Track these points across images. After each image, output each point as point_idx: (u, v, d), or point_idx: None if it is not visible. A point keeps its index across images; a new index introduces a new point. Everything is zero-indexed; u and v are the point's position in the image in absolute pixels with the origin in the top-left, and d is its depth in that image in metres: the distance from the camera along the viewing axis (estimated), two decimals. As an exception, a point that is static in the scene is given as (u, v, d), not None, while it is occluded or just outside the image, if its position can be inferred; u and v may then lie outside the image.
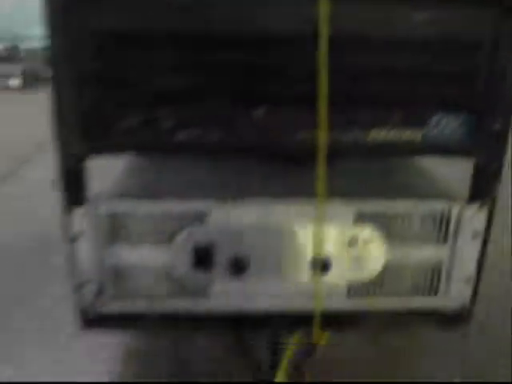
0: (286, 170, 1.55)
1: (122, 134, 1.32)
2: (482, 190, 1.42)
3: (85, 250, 1.41)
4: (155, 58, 1.27)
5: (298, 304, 1.49)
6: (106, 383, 1.76)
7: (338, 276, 1.47)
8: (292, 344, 1.60)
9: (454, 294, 1.52)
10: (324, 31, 1.24)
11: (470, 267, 1.49)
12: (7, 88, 6.64)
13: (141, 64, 1.27)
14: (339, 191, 1.41)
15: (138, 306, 1.48)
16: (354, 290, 1.50)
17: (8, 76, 6.77)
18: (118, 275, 1.45)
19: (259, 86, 1.30)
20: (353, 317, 1.52)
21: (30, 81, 6.80)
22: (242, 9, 1.24)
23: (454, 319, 1.54)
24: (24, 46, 9.07)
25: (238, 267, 1.44)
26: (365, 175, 1.59)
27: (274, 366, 1.62)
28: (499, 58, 1.30)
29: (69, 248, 1.40)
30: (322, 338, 1.50)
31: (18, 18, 9.57)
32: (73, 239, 1.40)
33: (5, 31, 9.18)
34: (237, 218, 1.42)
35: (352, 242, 1.45)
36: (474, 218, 1.45)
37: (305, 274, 1.47)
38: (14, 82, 6.64)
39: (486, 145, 1.37)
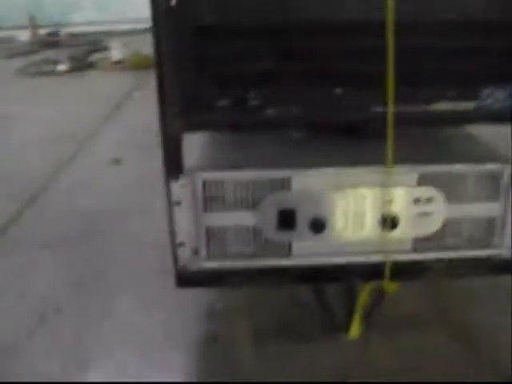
0: (356, 141, 1.74)
1: (216, 113, 1.53)
2: None
3: (183, 215, 1.63)
4: (246, 45, 1.48)
5: (370, 258, 1.70)
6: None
7: (404, 232, 1.68)
8: (365, 293, 1.80)
9: (506, 245, 1.71)
10: (389, 18, 1.42)
11: (522, 221, 1.69)
12: (55, 73, 6.91)
13: (233, 51, 1.48)
14: (404, 157, 1.61)
15: (229, 264, 1.70)
16: (418, 243, 1.70)
17: (55, 61, 7.04)
18: (211, 237, 1.68)
19: (337, 68, 1.51)
20: (417, 268, 1.72)
21: (76, 65, 7.06)
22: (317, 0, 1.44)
23: (506, 267, 1.74)
24: (63, 32, 9.36)
25: (317, 227, 1.66)
26: (426, 143, 1.78)
27: (349, 314, 1.84)
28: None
29: (169, 213, 1.63)
30: (391, 288, 1.71)
31: (57, 4, 9.86)
32: (173, 205, 1.62)
33: (45, 18, 9.42)
34: (315, 183, 1.63)
35: (416, 202, 1.65)
36: None
37: (376, 231, 1.67)
38: (62, 67, 6.91)
39: None
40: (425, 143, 1.78)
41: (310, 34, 1.47)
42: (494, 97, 1.55)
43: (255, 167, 1.63)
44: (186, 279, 1.72)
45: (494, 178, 1.66)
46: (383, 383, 1.85)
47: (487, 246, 1.72)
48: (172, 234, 1.66)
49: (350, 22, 1.47)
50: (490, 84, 1.54)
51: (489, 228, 1.71)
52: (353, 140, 1.75)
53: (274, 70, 1.50)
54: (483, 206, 1.68)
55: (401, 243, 1.69)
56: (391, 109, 1.50)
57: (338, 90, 1.52)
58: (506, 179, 1.65)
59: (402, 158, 1.60)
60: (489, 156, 1.71)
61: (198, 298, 2.21)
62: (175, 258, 1.69)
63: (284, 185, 1.62)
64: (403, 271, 1.72)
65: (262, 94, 1.52)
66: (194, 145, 1.75)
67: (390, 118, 1.51)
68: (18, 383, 1.90)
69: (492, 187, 1.66)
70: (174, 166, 1.58)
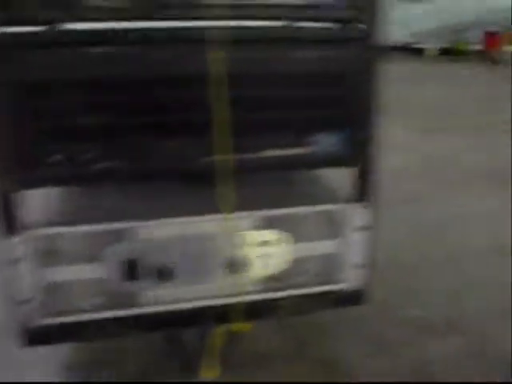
0: (200, 190, 1.74)
1: (47, 170, 1.51)
2: (363, 191, 1.70)
3: (24, 272, 1.58)
4: (72, 103, 1.47)
5: (220, 301, 1.72)
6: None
7: (252, 274, 1.72)
8: (218, 335, 1.82)
9: (349, 279, 1.80)
10: (217, 72, 1.47)
11: (360, 256, 1.77)
12: None
13: (61, 109, 1.47)
14: (248, 203, 1.65)
15: (76, 318, 1.66)
16: (267, 284, 1.75)
17: None
18: (56, 292, 1.63)
19: (169, 121, 1.53)
20: (268, 306, 1.77)
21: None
22: (142, 57, 1.47)
23: (351, 301, 1.82)
24: None
25: (164, 275, 1.66)
26: (270, 187, 1.81)
27: (205, 356, 1.85)
28: (363, 86, 1.59)
29: (9, 270, 1.57)
30: (244, 328, 1.74)
31: None
32: (12, 262, 1.57)
33: None
34: (160, 233, 1.64)
35: (261, 244, 1.70)
36: (360, 215, 1.73)
37: (223, 275, 1.70)
38: None
39: (360, 155, 1.66)
40: (268, 187, 1.82)
41: (142, 89, 1.49)
42: (325, 142, 1.63)
43: (98, 220, 1.61)
44: (33, 337, 1.66)
45: (333, 218, 1.73)
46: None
47: (331, 281, 1.79)
48: (13, 291, 1.60)
49: (182, 75, 1.50)
50: (320, 130, 1.62)
51: (331, 264, 1.78)
52: (196, 189, 1.76)
53: (103, 126, 1.50)
54: (324, 244, 1.75)
55: (249, 285, 1.73)
56: (224, 159, 1.54)
57: (174, 142, 1.54)
58: (343, 218, 1.74)
59: (246, 204, 1.64)
60: (327, 196, 1.79)
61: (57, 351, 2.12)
62: (19, 316, 1.63)
63: (127, 236, 1.62)
64: (255, 311, 1.75)
65: (94, 149, 1.51)
66: (35, 198, 1.71)
67: (224, 168, 1.55)
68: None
69: (331, 226, 1.74)
70: (10, 222, 1.54)
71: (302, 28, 1.55)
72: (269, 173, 1.73)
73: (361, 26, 1.56)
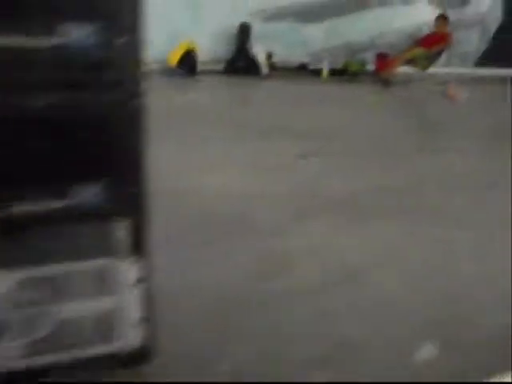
0: None
1: None
2: (137, 244, 1.58)
3: None
4: None
5: None
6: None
7: (11, 338, 1.54)
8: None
9: (129, 337, 1.67)
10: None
11: (138, 312, 1.65)
12: None
13: None
14: (3, 260, 1.48)
15: None
16: (31, 348, 1.58)
17: None
18: None
19: None
20: (34, 373, 1.60)
21: None
22: None
23: (133, 360, 1.69)
24: None
25: None
26: (33, 242, 1.63)
27: None
28: (126, 134, 1.49)
29: None
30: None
31: None
32: None
33: None
34: None
35: (21, 306, 1.53)
36: (133, 269, 1.60)
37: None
38: None
39: (127, 207, 1.54)
40: (33, 243, 1.64)
41: None
42: (82, 195, 1.49)
43: None
44: None
45: (105, 273, 1.60)
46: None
47: (110, 340, 1.66)
48: None
49: None
50: (78, 181, 1.49)
51: (106, 323, 1.64)
52: None
53: None
54: (97, 301, 1.62)
55: (9, 350, 1.56)
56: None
57: None
58: (117, 273, 1.61)
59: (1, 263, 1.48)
60: (98, 252, 1.64)
61: None
62: None
63: None
64: (18, 378, 1.59)
65: None
66: None
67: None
68: None
69: (104, 282, 1.61)
70: None
71: (45, 70, 1.41)
72: (13, 230, 1.55)
73: (116, 68, 1.44)
